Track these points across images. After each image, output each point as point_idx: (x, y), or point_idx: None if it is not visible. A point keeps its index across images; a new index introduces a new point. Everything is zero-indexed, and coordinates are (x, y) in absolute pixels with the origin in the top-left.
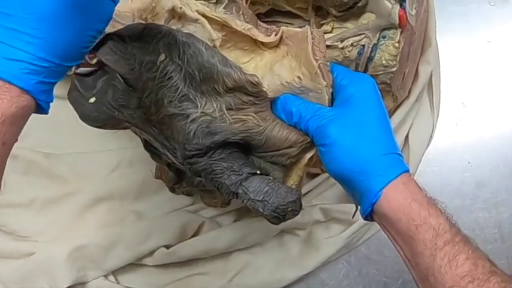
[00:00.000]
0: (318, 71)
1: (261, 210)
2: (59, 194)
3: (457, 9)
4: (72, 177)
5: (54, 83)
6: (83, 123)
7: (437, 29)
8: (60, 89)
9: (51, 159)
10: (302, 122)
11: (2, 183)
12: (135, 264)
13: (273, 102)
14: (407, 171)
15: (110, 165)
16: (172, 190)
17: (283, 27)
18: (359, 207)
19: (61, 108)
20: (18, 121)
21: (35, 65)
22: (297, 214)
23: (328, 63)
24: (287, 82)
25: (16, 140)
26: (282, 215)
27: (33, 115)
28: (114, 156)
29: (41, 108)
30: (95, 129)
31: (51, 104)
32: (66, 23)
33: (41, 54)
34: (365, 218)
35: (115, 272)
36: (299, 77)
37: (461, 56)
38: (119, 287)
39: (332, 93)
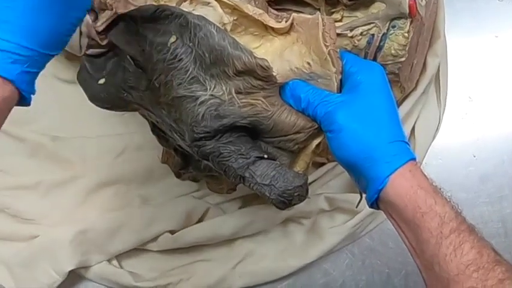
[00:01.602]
0: (328, 57)
1: (268, 195)
2: (65, 178)
3: (465, 4)
4: (78, 161)
5: (37, 73)
6: (90, 105)
7: (446, 24)
8: (69, 73)
9: (58, 143)
10: (310, 107)
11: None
12: (138, 249)
13: (281, 87)
14: (414, 159)
15: (116, 149)
16: (178, 175)
17: (294, 14)
18: (364, 195)
19: (69, 91)
20: (1, 112)
21: (18, 54)
22: (304, 199)
23: (338, 50)
24: (296, 68)
25: None
26: (289, 199)
27: (41, 99)
28: (120, 140)
29: (24, 99)
30: (102, 113)
31: (58, 88)
32: (48, 11)
33: (24, 43)
34: (371, 206)
35: (118, 257)
36: (309, 63)
37: (469, 50)
38: (122, 271)
39: (341, 80)
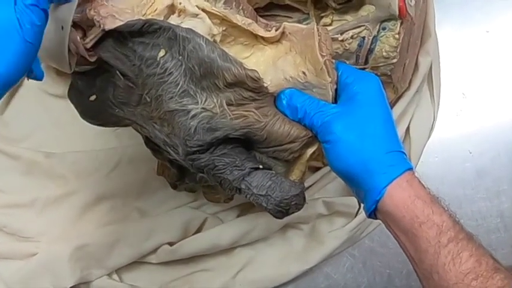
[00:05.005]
0: (324, 67)
1: (265, 205)
2: (61, 194)
3: None
4: (73, 176)
5: None
6: (83, 121)
7: (436, 20)
8: (60, 88)
9: (52, 159)
10: (307, 117)
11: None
12: (138, 262)
13: (277, 97)
14: (411, 168)
15: (110, 163)
16: (174, 187)
17: (285, 23)
18: (362, 205)
19: (61, 107)
20: None
21: None
22: (301, 208)
23: (334, 61)
24: (291, 77)
25: None
26: (286, 209)
27: (33, 115)
28: (114, 154)
29: None
30: (95, 127)
31: (49, 103)
32: None
33: None
34: (369, 216)
35: (118, 271)
36: (304, 73)
37: (460, 46)
38: (122, 285)
39: (336, 90)
